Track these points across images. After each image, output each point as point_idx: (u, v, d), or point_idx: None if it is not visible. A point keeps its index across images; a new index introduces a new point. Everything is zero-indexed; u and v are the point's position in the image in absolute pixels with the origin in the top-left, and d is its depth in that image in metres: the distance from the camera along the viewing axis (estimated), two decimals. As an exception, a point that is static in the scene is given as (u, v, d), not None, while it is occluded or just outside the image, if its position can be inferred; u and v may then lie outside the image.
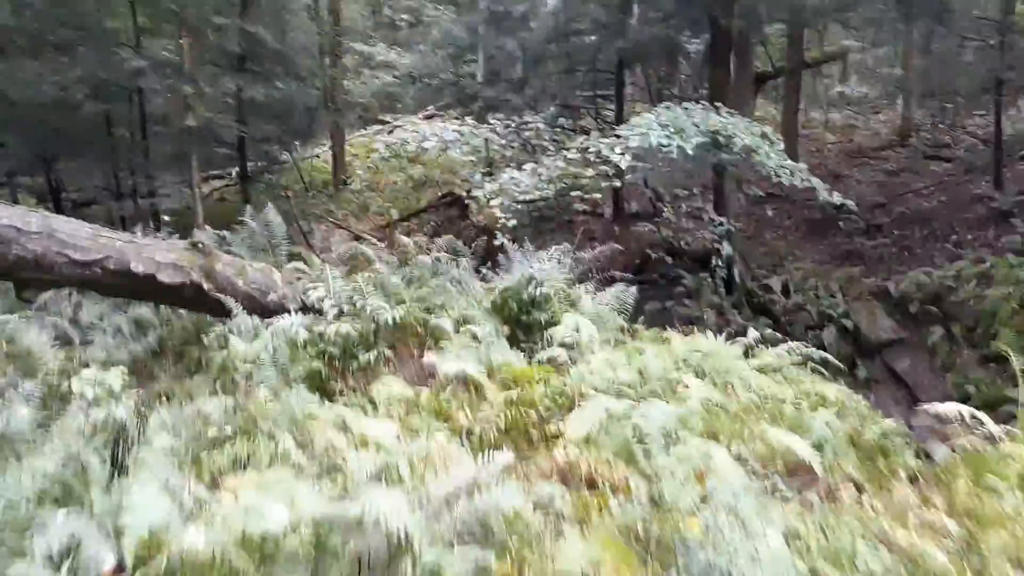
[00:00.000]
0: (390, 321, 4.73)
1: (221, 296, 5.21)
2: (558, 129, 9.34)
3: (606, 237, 12.89)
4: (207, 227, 7.75)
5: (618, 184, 7.95)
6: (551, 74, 10.78)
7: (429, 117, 12.19)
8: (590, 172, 8.29)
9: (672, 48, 12.69)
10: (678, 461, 3.30)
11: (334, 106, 16.80)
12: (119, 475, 3.24)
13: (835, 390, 4.28)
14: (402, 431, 3.72)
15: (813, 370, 5.04)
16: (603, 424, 3.54)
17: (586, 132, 10.07)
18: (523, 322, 5.26)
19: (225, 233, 7.11)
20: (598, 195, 8.26)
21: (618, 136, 7.14)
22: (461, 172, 13.25)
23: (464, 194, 12.14)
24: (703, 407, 4.03)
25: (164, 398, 4.66)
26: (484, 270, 7.09)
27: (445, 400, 4.12)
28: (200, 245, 5.18)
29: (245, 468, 3.29)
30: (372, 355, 4.65)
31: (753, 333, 5.28)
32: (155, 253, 4.75)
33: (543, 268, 5.51)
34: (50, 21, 11.65)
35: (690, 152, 6.72)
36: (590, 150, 7.67)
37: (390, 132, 9.75)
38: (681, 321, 10.62)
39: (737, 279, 10.71)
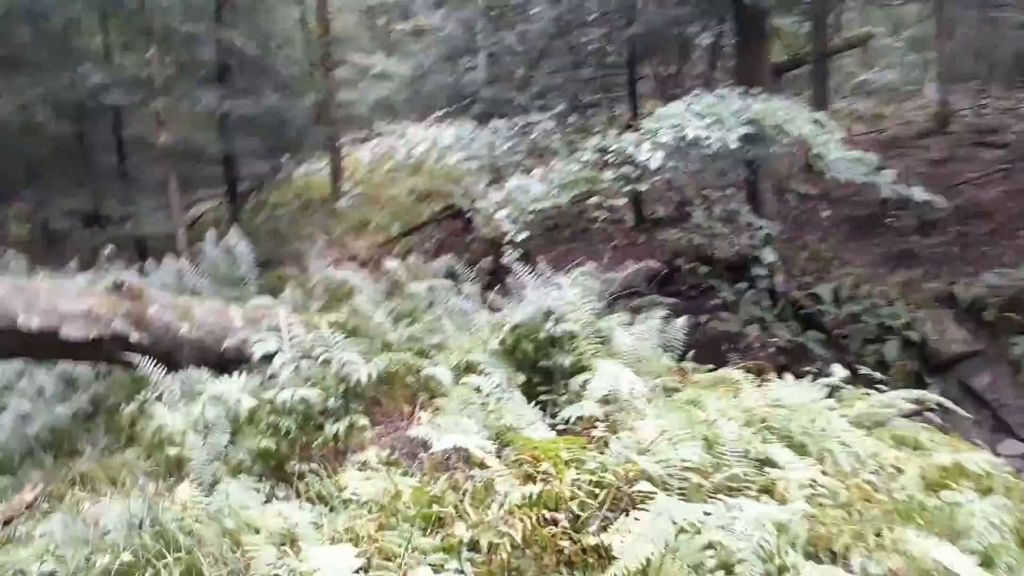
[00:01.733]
0: (363, 380, 3.57)
1: (158, 348, 4.11)
2: (569, 129, 8.17)
3: (628, 246, 11.74)
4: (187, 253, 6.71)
5: (644, 187, 6.79)
6: (557, 71, 9.61)
7: (431, 125, 11.10)
8: (609, 175, 7.14)
9: (686, 38, 11.53)
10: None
11: (328, 119, 15.80)
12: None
13: (978, 459, 3.08)
14: (374, 555, 2.56)
15: (925, 420, 3.84)
16: (669, 543, 2.36)
17: (599, 131, 8.90)
18: (541, 368, 4.10)
19: (184, 266, 5.99)
20: (622, 200, 7.10)
21: (644, 132, 5.98)
22: (465, 182, 12.08)
23: (468, 205, 10.87)
24: (806, 498, 2.85)
25: (76, 486, 3.55)
26: (491, 295, 5.94)
27: (437, 495, 2.96)
28: (124, 286, 4.06)
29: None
30: (342, 425, 3.50)
31: (840, 371, 4.09)
32: (58, 301, 3.63)
33: (563, 296, 4.35)
34: (11, 39, 10.70)
35: (732, 145, 5.56)
36: (610, 150, 6.52)
37: (384, 143, 8.64)
38: (721, 340, 9.50)
39: (780, 288, 9.50)
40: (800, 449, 3.38)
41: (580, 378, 3.93)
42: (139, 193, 11.60)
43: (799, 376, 4.34)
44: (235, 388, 3.48)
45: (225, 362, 4.53)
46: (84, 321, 3.70)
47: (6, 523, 2.98)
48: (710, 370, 4.75)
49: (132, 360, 3.80)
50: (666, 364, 4.46)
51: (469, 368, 4.08)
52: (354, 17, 22.63)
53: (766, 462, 3.23)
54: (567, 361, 4.02)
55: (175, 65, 11.12)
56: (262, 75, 12.95)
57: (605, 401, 3.59)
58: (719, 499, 2.79)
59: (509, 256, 7.12)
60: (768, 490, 3.10)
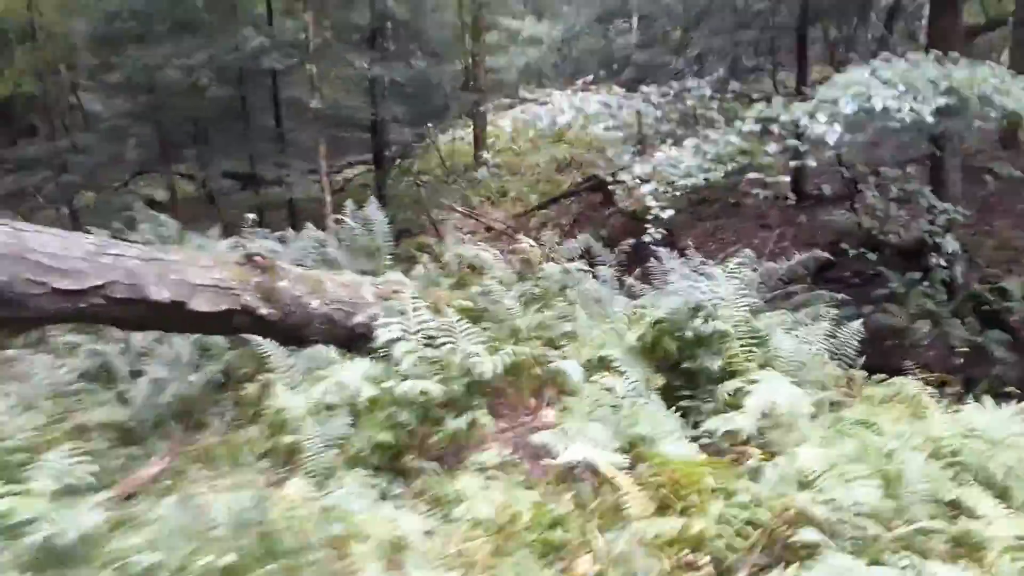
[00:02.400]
0: (488, 374, 3.29)
1: (285, 323, 4.03)
2: (728, 96, 7.46)
3: (785, 226, 10.82)
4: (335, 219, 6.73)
5: (813, 163, 6.05)
6: (717, 32, 8.81)
7: (579, 91, 10.59)
8: (773, 147, 6.45)
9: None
10: None
11: (476, 84, 15.66)
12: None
13: None
14: (485, 584, 2.27)
15: None
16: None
17: (760, 99, 8.12)
18: (684, 370, 3.65)
19: (321, 235, 5.95)
20: (785, 177, 6.40)
21: (820, 100, 5.25)
22: (609, 152, 11.58)
23: (609, 177, 10.33)
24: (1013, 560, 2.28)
25: (199, 463, 3.52)
26: (630, 280, 5.48)
27: (560, 515, 2.63)
28: (257, 258, 3.99)
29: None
30: (464, 421, 3.24)
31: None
32: (188, 272, 3.58)
33: (716, 289, 3.85)
34: (184, 3, 11.23)
35: (929, 118, 4.74)
36: (776, 120, 5.82)
37: (527, 110, 8.31)
38: (885, 335, 8.56)
39: (959, 280, 8.40)
40: (1004, 495, 2.77)
41: (730, 385, 3.45)
42: (292, 156, 11.95)
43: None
44: (357, 374, 3.29)
45: (355, 337, 4.41)
46: (214, 293, 3.65)
47: (128, 497, 2.95)
48: (882, 380, 4.11)
49: (259, 336, 3.72)
50: (832, 373, 3.87)
51: (602, 364, 3.70)
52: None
53: (961, 509, 2.66)
54: (715, 364, 3.54)
55: (331, 29, 11.27)
56: (413, 40, 12.94)
57: (759, 415, 3.11)
58: (904, 557, 2.28)
59: (651, 235, 6.65)
60: (960, 542, 2.55)
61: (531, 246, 5.25)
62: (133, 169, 13.28)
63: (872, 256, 9.72)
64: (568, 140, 15.36)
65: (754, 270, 4.56)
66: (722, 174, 6.72)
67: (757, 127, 6.62)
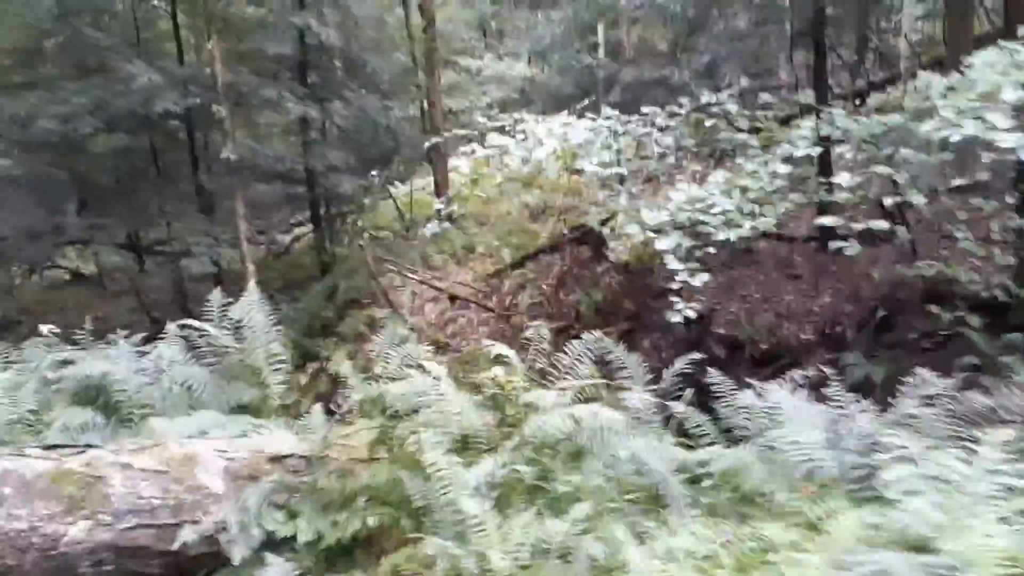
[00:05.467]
0: None
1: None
2: (764, 112, 5.48)
3: (818, 276, 8.80)
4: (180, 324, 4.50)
5: (919, 199, 4.07)
6: (725, 34, 6.80)
7: (555, 120, 8.64)
8: (845, 177, 4.51)
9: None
10: None
11: (433, 126, 13.73)
12: None
13: None
14: None
15: None
16: None
17: (794, 116, 6.19)
18: None
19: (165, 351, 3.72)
20: (883, 223, 4.43)
21: (975, 93, 3.22)
22: (601, 194, 9.53)
23: (597, 226, 8.22)
24: None
25: None
26: (678, 409, 3.29)
27: None
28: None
29: None
30: None
31: None
32: None
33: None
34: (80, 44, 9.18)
35: None
36: (869, 137, 3.84)
37: (495, 143, 6.25)
38: (983, 418, 6.57)
39: (1073, 343, 6.40)
40: None
41: None
42: (204, 218, 9.81)
43: None
44: None
45: (184, 566, 2.28)
46: None
47: None
48: None
49: None
50: None
51: None
52: (461, 15, 20.70)
53: None
54: None
55: (247, 61, 9.22)
56: (352, 75, 10.97)
57: None
58: None
59: (680, 311, 4.59)
60: None
61: (506, 362, 3.10)
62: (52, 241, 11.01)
63: (939, 311, 7.66)
64: (540, 184, 13.39)
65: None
66: (774, 220, 4.72)
67: (811, 150, 4.67)
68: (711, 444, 2.88)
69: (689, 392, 3.40)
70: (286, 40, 9.26)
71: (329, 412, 3.45)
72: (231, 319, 3.65)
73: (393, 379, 3.20)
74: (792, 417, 2.66)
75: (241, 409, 3.18)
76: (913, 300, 7.45)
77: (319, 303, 9.22)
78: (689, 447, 2.86)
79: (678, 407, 3.18)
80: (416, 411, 2.73)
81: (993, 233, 5.73)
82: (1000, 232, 5.69)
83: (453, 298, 8.49)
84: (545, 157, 4.47)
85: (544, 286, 8.44)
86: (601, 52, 8.33)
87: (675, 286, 4.66)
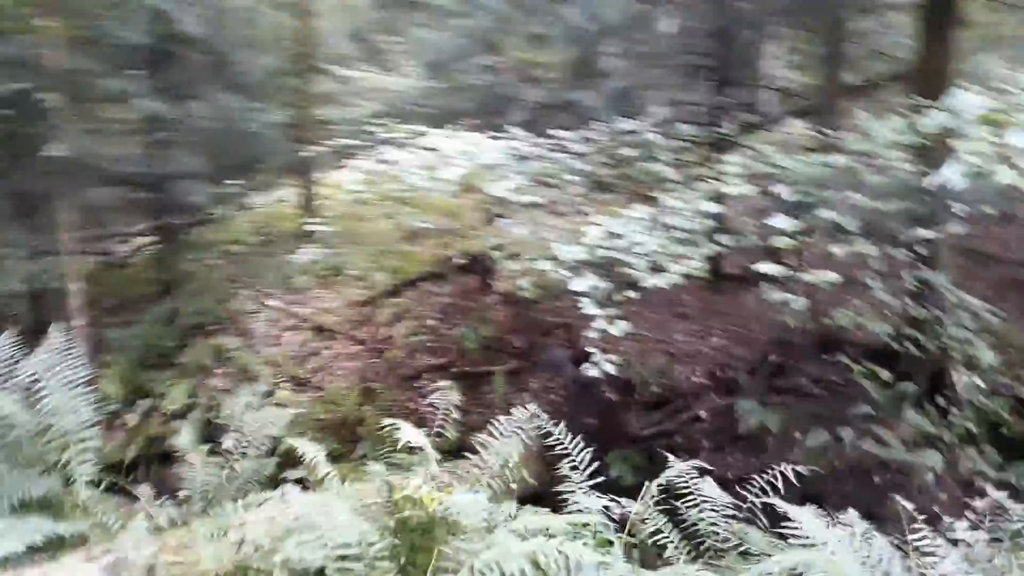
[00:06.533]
0: None
1: None
2: (687, 142, 5.06)
3: (708, 317, 8.59)
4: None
5: (873, 249, 3.72)
6: (638, 55, 6.28)
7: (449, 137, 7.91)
8: (782, 220, 4.14)
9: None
10: None
11: (304, 135, 12.64)
12: None
13: None
14: None
15: None
16: None
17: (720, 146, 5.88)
18: None
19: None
20: (775, 266, 4.07)
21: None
22: (476, 216, 8.84)
23: (487, 255, 7.57)
24: None
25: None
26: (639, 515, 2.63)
27: None
28: None
29: None
30: None
31: None
32: None
33: None
34: None
35: None
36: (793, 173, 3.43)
37: (386, 157, 5.50)
38: (872, 468, 6.46)
39: (962, 391, 6.49)
40: None
41: None
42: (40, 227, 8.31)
43: None
44: None
45: None
46: None
47: None
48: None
49: None
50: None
51: None
52: (339, 23, 19.63)
53: None
54: None
55: (90, 46, 7.89)
56: (216, 72, 9.78)
57: None
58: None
59: (597, 366, 4.04)
60: None
61: (419, 451, 2.32)
62: None
63: (829, 356, 7.61)
64: (415, 204, 12.60)
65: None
66: (704, 264, 4.27)
67: (747, 189, 4.25)
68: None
69: (653, 486, 2.78)
70: (141, 27, 8.02)
71: (159, 494, 2.58)
72: (22, 376, 2.64)
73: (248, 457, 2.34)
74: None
75: (32, 507, 2.23)
76: (806, 345, 7.32)
77: (157, 328, 7.97)
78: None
79: (634, 507, 2.55)
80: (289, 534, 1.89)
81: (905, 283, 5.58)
82: (909, 283, 5.54)
83: (320, 329, 7.54)
84: (458, 176, 3.77)
85: (427, 318, 7.69)
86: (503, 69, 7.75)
87: (592, 335, 4.10)
